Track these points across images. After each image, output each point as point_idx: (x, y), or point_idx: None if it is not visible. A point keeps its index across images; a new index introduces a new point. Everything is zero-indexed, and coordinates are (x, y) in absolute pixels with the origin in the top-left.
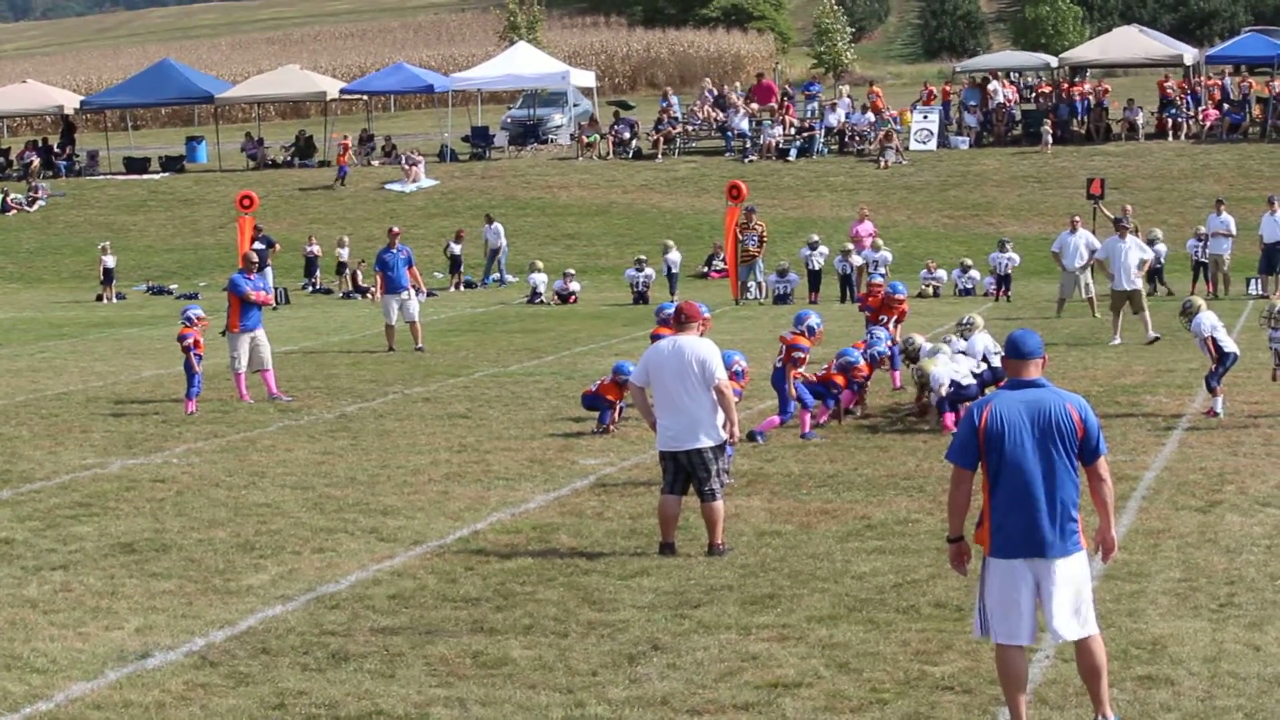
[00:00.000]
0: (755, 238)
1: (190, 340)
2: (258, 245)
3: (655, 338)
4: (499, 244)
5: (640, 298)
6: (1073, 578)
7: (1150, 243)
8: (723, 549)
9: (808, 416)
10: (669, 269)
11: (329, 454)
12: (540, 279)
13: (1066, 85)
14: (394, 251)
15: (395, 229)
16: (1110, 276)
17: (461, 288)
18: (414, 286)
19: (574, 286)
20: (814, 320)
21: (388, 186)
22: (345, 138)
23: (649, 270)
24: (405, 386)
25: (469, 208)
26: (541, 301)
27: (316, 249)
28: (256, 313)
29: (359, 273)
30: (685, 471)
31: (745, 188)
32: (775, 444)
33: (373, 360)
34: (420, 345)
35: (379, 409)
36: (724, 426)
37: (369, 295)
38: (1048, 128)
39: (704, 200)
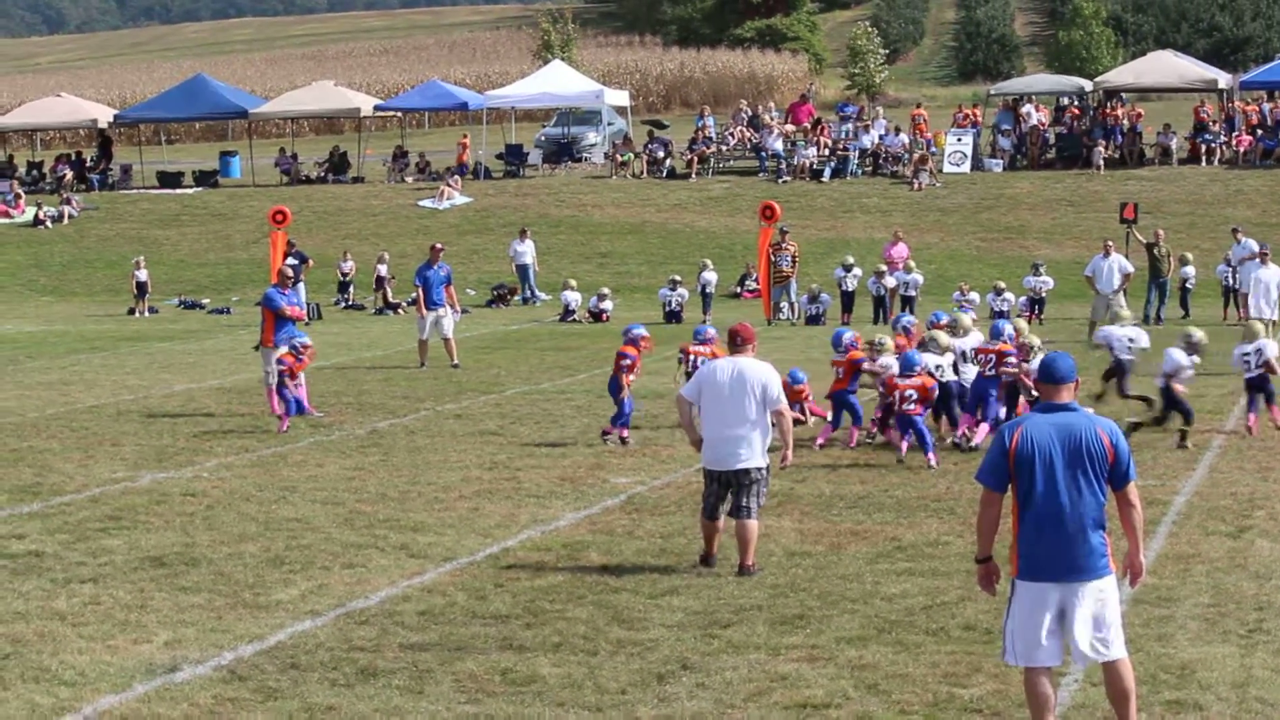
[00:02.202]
0: (788, 258)
1: (285, 367)
2: (291, 261)
3: (684, 354)
4: (525, 261)
5: (673, 317)
6: (1101, 601)
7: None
8: (753, 570)
9: (858, 432)
10: (703, 288)
11: (360, 469)
12: (573, 297)
13: (1105, 110)
14: (435, 269)
15: (438, 245)
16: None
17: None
18: (450, 304)
19: (607, 305)
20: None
21: (421, 204)
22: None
23: (682, 290)
24: (437, 403)
25: (502, 225)
26: (574, 319)
27: (350, 265)
28: (290, 328)
29: (389, 289)
30: (728, 490)
31: (779, 208)
32: (806, 464)
33: (404, 376)
34: (456, 362)
35: (410, 425)
36: (780, 450)
37: (401, 310)
38: (1101, 150)
39: (737, 220)
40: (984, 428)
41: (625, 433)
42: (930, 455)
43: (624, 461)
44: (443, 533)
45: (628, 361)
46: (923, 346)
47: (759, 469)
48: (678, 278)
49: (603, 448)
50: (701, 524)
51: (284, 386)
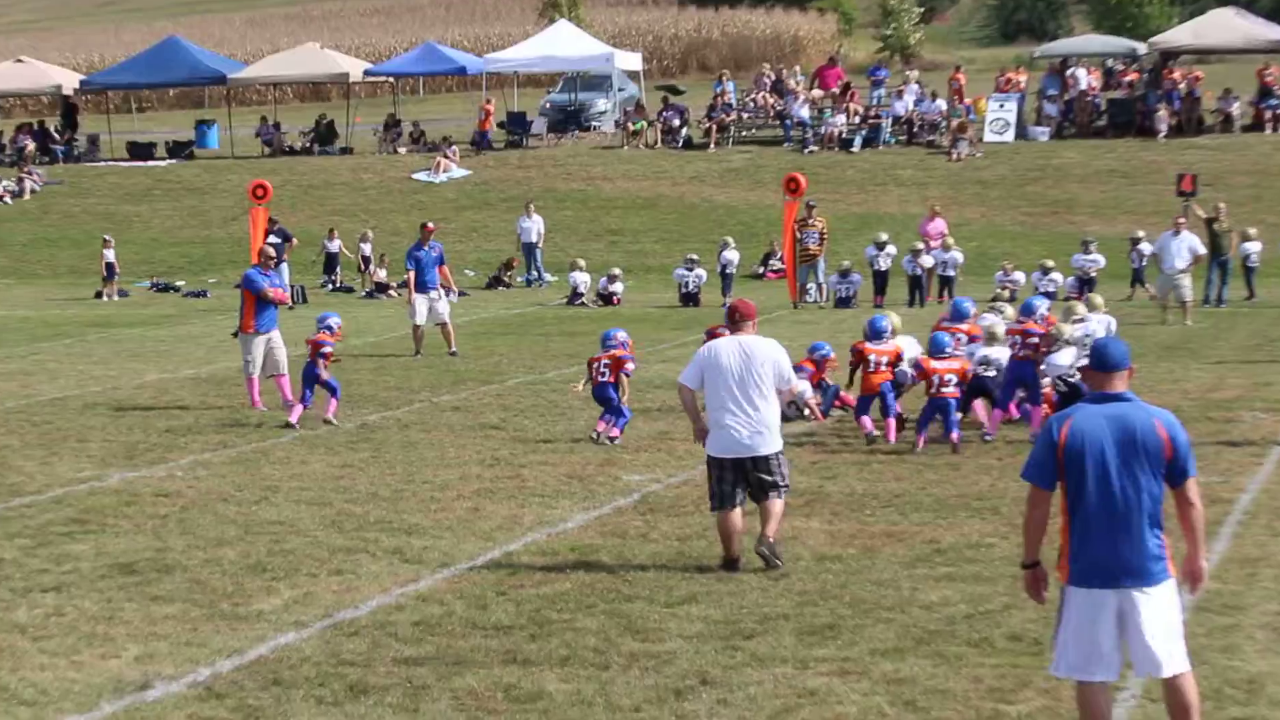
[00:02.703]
0: (815, 235)
1: (325, 348)
2: (273, 239)
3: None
4: (530, 239)
5: (690, 299)
6: (1160, 609)
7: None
8: (774, 543)
9: (893, 423)
10: (724, 268)
11: (349, 467)
12: (581, 278)
13: (1166, 71)
14: (427, 249)
15: (430, 224)
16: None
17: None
18: (444, 286)
19: (618, 287)
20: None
21: (415, 177)
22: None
23: (700, 270)
24: (433, 394)
25: (504, 200)
26: (582, 303)
27: (337, 244)
28: (273, 312)
29: (381, 270)
30: (744, 480)
31: (805, 181)
32: (837, 460)
33: (398, 365)
34: (454, 349)
35: (404, 418)
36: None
37: (393, 293)
38: (1164, 115)
39: (760, 194)
40: (1037, 413)
41: (617, 432)
42: (955, 434)
43: (637, 458)
44: (440, 536)
45: (630, 366)
46: (989, 341)
47: (776, 453)
48: (695, 257)
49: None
50: (717, 521)
51: (316, 368)
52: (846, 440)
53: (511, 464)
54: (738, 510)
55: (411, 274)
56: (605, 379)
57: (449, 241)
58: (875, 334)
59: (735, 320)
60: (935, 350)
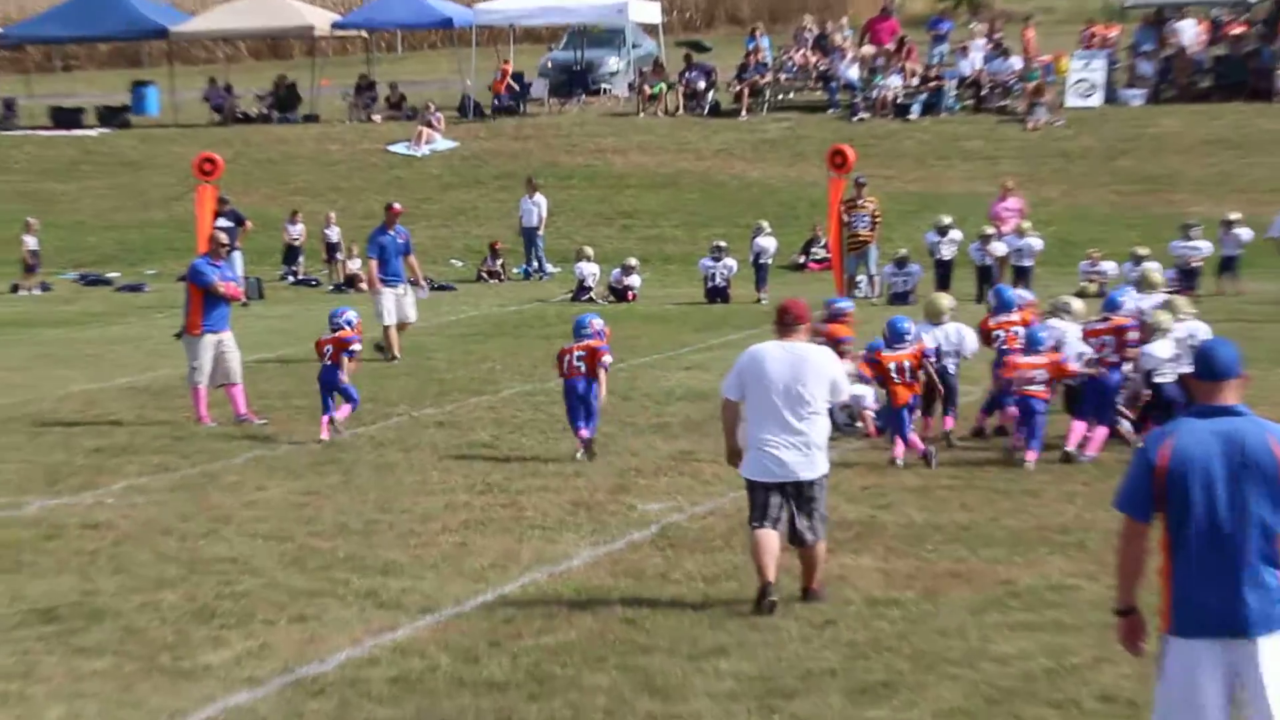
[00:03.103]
0: (866, 219)
1: (355, 345)
2: (223, 223)
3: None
4: (533, 224)
5: (718, 294)
6: None
7: None
8: (820, 594)
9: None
10: (757, 257)
11: (313, 494)
12: (589, 270)
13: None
14: (391, 234)
15: (395, 206)
16: None
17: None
18: (411, 279)
19: (633, 280)
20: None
21: (392, 149)
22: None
23: (729, 260)
24: (413, 407)
25: (496, 176)
26: (591, 299)
27: (299, 229)
28: (224, 310)
29: (354, 261)
30: (783, 500)
31: (853, 154)
32: (892, 484)
33: (371, 373)
34: (396, 354)
35: (379, 435)
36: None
37: (363, 286)
38: None
39: (800, 170)
40: (1100, 432)
41: (585, 433)
42: (1033, 453)
43: (655, 482)
44: (421, 576)
45: (608, 359)
46: (1053, 315)
47: (821, 478)
48: (723, 244)
49: (626, 463)
50: (752, 539)
51: (336, 373)
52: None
53: (506, 490)
54: (779, 530)
55: (373, 263)
56: (581, 373)
57: (432, 226)
58: (894, 337)
59: (786, 323)
60: (1030, 345)
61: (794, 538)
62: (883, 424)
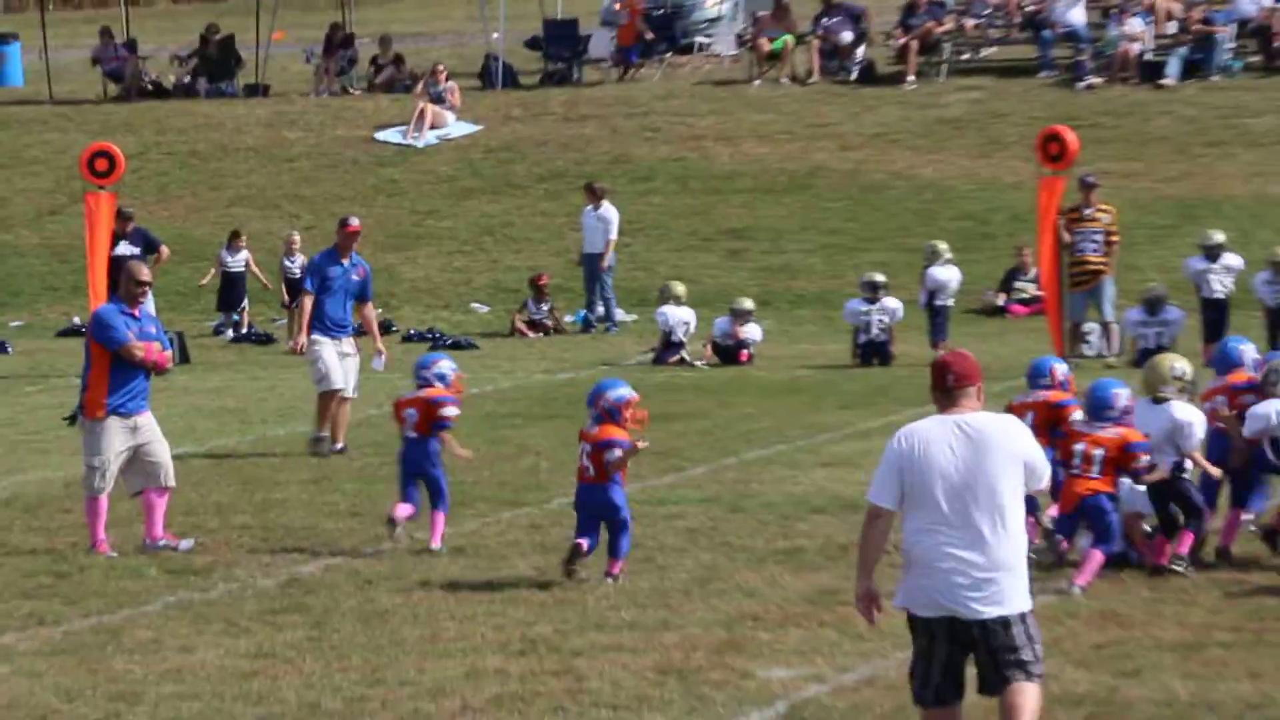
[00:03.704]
0: (1099, 238)
1: (450, 410)
2: (126, 249)
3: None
4: (597, 248)
5: (874, 352)
6: None
7: None
8: None
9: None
10: (932, 297)
11: (266, 658)
12: (680, 317)
13: None
14: (344, 264)
15: (352, 222)
16: None
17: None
18: (371, 336)
19: (750, 332)
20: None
21: (381, 136)
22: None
23: (890, 302)
24: (418, 522)
25: (540, 178)
26: (683, 359)
27: (242, 258)
28: (143, 384)
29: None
30: (965, 651)
31: (1075, 141)
32: (1138, 637)
33: (349, 471)
34: (341, 442)
35: (363, 569)
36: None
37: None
38: None
39: (997, 164)
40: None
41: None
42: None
43: (781, 637)
44: None
45: (616, 453)
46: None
47: (1021, 615)
48: (881, 278)
49: (738, 609)
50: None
51: (430, 449)
52: (1153, 586)
53: (558, 650)
54: (955, 711)
55: (307, 301)
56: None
57: (442, 252)
58: (1096, 407)
59: (945, 388)
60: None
61: (987, 682)
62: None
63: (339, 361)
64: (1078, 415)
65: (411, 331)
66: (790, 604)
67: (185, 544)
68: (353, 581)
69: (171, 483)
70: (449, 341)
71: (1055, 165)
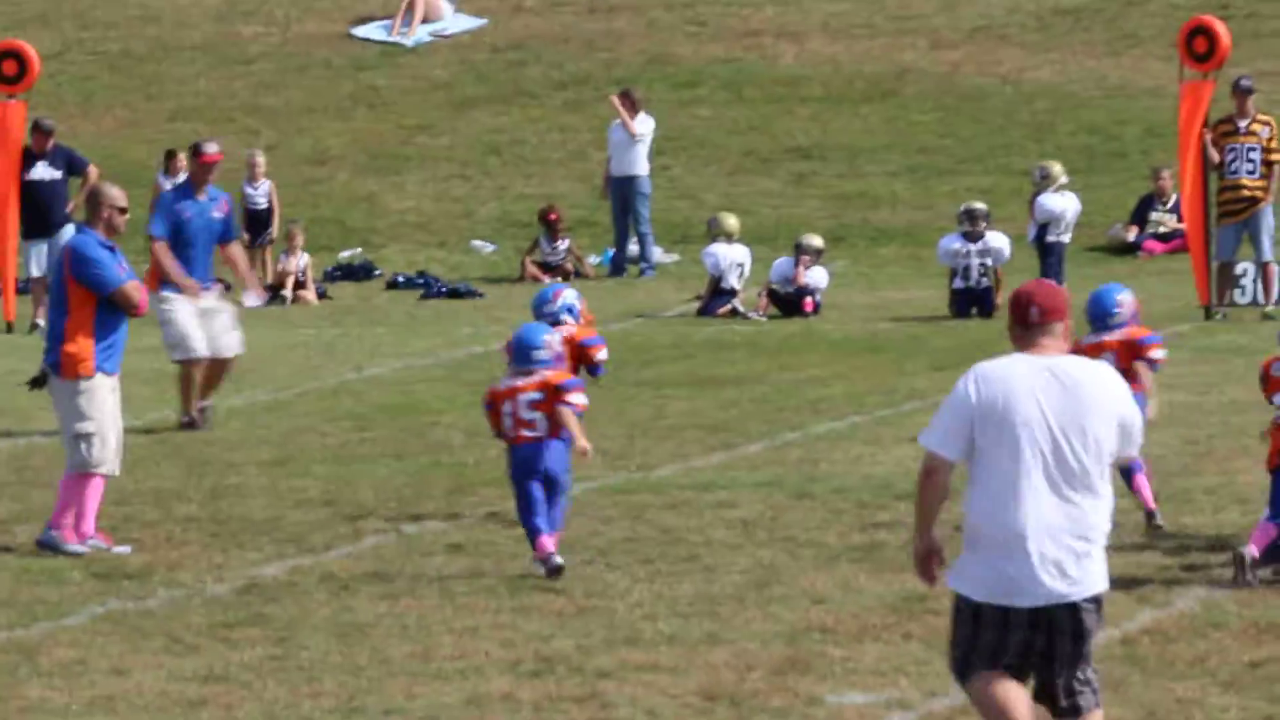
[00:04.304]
0: (1255, 157)
1: (604, 355)
2: (44, 172)
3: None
4: (629, 171)
5: (974, 300)
6: None
7: None
8: None
9: None
10: (1042, 231)
11: (221, 681)
12: (733, 257)
13: None
14: (200, 199)
15: (207, 149)
16: None
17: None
18: (243, 279)
19: (816, 277)
20: None
21: (360, 32)
22: None
23: (993, 237)
24: (402, 513)
25: (556, 85)
26: (736, 311)
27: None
28: (125, 336)
29: (294, 257)
30: (1031, 646)
31: (1228, 34)
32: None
33: (318, 450)
34: (205, 403)
35: (339, 571)
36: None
37: (292, 295)
38: None
39: (1128, 65)
40: None
41: (551, 545)
42: None
43: (856, 652)
44: None
45: (581, 397)
46: None
47: (1097, 599)
48: (983, 207)
49: (803, 617)
50: (991, 691)
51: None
52: None
53: (580, 670)
54: (1018, 684)
55: (160, 247)
56: (534, 434)
57: (437, 178)
58: (1098, 316)
59: (1028, 322)
60: None
61: (1049, 697)
62: None
63: (199, 321)
64: (1160, 354)
65: (397, 276)
66: (868, 613)
67: (119, 547)
68: (325, 587)
69: (117, 469)
70: (444, 289)
71: (1202, 66)
